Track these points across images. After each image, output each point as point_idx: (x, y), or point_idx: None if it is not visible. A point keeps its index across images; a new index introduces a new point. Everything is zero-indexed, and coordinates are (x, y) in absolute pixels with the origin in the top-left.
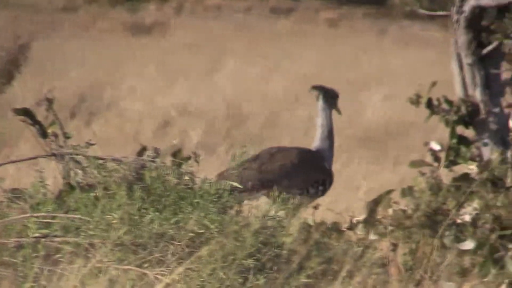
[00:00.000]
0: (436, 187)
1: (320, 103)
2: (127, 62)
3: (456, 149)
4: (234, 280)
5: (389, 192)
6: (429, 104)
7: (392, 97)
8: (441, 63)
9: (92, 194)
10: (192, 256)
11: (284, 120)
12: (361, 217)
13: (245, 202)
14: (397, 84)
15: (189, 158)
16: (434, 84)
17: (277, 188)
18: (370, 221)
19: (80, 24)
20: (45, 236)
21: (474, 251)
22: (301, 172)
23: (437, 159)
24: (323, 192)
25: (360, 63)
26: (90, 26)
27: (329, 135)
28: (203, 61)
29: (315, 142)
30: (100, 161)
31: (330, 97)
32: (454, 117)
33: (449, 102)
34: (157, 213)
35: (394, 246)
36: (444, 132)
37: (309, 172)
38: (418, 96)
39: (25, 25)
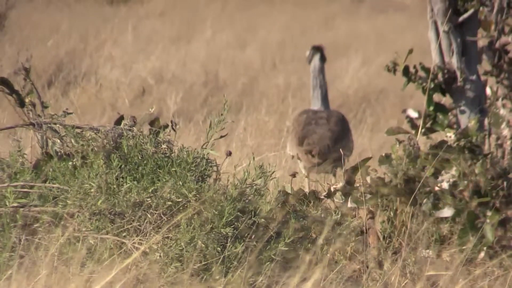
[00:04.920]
0: (413, 155)
1: (318, 64)
2: (104, 31)
3: (433, 117)
4: (213, 248)
5: (366, 159)
6: (406, 71)
7: (369, 64)
8: (417, 30)
9: (69, 163)
10: (169, 224)
11: (261, 87)
12: (339, 184)
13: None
14: (374, 51)
15: (166, 126)
16: (411, 51)
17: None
18: (348, 189)
19: None
20: (23, 206)
21: (452, 219)
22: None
23: (414, 126)
24: None
25: (335, 29)
26: None
27: (326, 93)
28: (179, 29)
29: (316, 102)
30: (78, 130)
31: (322, 54)
32: (431, 85)
33: (426, 70)
34: (134, 182)
35: (372, 214)
36: (421, 99)
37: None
38: (395, 64)
39: None
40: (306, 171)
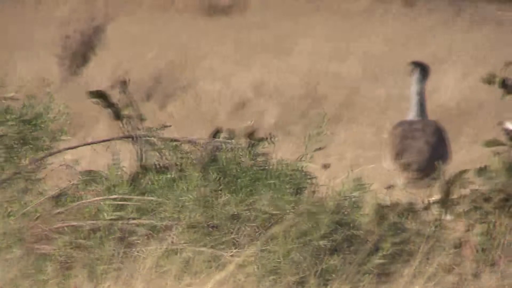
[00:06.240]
0: (511, 167)
1: (417, 76)
2: (203, 43)
3: None
4: (309, 261)
5: (464, 172)
6: (504, 83)
7: (467, 76)
8: None
9: (167, 176)
10: (266, 237)
11: (361, 99)
12: (436, 197)
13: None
14: (472, 63)
15: (264, 139)
16: (509, 63)
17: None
18: (445, 201)
19: (157, 5)
20: (120, 218)
21: None
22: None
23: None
24: None
25: (435, 42)
26: (166, 7)
27: (424, 105)
28: (280, 40)
29: (412, 113)
30: (175, 143)
31: (423, 70)
32: None
33: None
34: (231, 194)
35: (470, 227)
36: None
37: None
38: (492, 76)
39: (100, 6)
40: (405, 186)
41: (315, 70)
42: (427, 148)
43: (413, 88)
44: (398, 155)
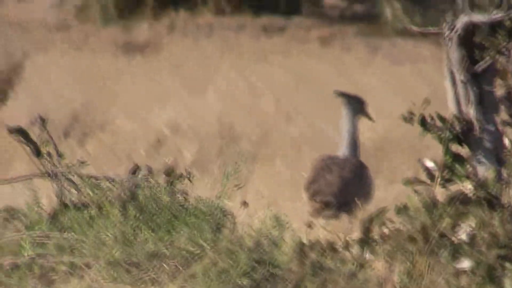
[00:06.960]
0: (431, 206)
1: (348, 111)
2: (120, 81)
3: (451, 167)
4: None
5: (383, 210)
6: (423, 121)
7: (385, 113)
8: (433, 80)
9: (86, 213)
10: (185, 274)
11: (276, 138)
12: (356, 235)
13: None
14: (390, 101)
15: (182, 176)
16: (427, 101)
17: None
18: (365, 240)
19: (73, 43)
20: (40, 256)
21: (471, 271)
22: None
23: (431, 177)
24: None
25: (352, 80)
26: (82, 45)
27: (355, 141)
28: (195, 79)
29: (342, 149)
30: (94, 180)
31: (354, 104)
32: (448, 135)
33: (443, 119)
34: (150, 232)
35: (390, 265)
36: (438, 149)
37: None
38: (411, 114)
39: (17, 44)
40: (312, 216)
41: (230, 108)
42: (338, 182)
43: (343, 124)
44: (309, 184)
